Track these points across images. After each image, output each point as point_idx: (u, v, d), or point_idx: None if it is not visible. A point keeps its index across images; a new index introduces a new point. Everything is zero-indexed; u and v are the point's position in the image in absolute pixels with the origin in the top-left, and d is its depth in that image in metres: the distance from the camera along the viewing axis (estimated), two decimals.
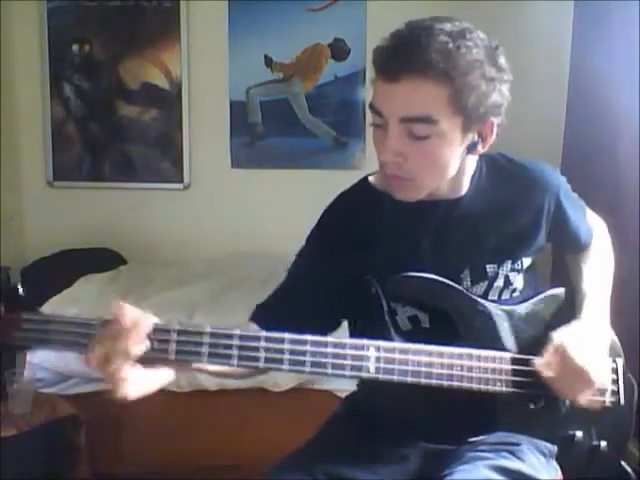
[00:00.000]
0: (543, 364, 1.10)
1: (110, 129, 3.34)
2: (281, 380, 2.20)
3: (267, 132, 3.31)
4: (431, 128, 1.02)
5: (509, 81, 1.07)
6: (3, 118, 3.07)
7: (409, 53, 1.00)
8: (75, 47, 3.28)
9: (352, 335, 1.21)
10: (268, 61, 3.25)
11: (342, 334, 1.17)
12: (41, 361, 2.21)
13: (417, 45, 0.99)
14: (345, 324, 1.26)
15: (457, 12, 1.15)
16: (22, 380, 2.05)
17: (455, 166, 1.09)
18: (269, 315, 1.20)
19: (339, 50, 3.21)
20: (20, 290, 0.98)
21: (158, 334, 0.96)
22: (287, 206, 3.27)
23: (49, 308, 2.26)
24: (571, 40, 2.66)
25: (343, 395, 1.40)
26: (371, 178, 1.23)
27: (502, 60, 1.06)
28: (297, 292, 1.22)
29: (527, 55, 2.92)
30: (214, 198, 3.35)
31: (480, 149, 1.10)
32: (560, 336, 1.12)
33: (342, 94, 3.24)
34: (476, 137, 1.08)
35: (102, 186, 3.36)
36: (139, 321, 0.95)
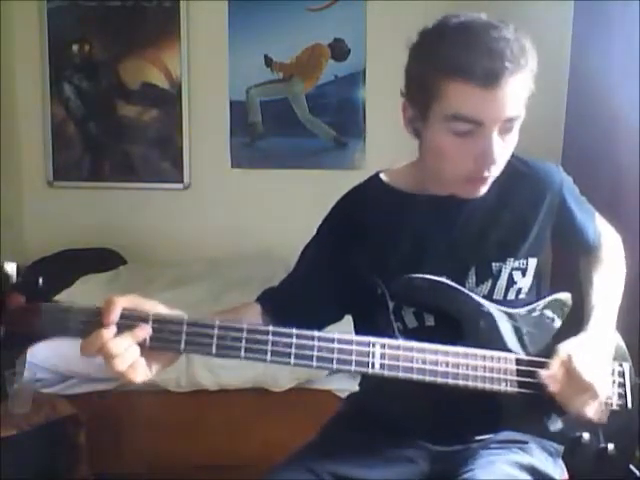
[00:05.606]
0: (549, 376, 1.09)
1: (110, 129, 3.34)
2: (281, 380, 2.20)
3: (267, 132, 3.31)
4: (518, 120, 1.05)
5: None
6: (3, 118, 3.07)
7: (501, 54, 0.99)
8: (75, 47, 3.28)
9: (356, 331, 1.21)
10: (268, 61, 3.25)
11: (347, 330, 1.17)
12: (41, 361, 2.20)
13: (504, 45, 1.00)
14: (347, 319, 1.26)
15: (456, 12, 1.15)
16: (22, 380, 2.05)
17: None
18: (274, 298, 1.21)
19: (339, 50, 3.21)
20: (40, 282, 1.01)
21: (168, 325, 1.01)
22: (287, 206, 3.27)
23: None
24: (571, 40, 2.65)
25: (343, 395, 1.39)
26: (382, 175, 1.22)
27: None
28: (303, 281, 1.22)
29: None
30: (214, 198, 3.35)
31: None
32: (566, 348, 1.11)
33: (342, 94, 3.23)
34: None
35: (102, 186, 3.36)
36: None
